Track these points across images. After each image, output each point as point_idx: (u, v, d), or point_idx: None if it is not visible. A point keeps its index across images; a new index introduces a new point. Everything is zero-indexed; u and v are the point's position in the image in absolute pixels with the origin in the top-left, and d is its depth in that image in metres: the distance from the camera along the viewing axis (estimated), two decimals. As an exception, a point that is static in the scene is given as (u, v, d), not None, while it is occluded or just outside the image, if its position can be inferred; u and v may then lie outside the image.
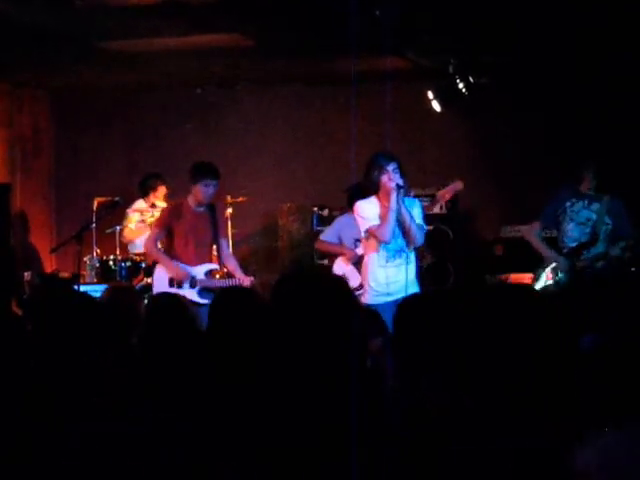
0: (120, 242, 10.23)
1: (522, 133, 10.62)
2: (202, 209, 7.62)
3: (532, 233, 7.60)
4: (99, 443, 3.37)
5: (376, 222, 6.73)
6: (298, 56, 9.92)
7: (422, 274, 10.22)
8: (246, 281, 7.51)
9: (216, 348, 4.09)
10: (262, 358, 3.37)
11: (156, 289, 7.56)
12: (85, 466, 3.34)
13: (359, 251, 8.00)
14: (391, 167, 6.66)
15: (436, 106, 10.33)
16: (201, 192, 7.52)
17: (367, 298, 6.76)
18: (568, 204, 7.33)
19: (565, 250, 7.36)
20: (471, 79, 9.96)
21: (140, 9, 7.70)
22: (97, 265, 10.11)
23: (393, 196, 6.57)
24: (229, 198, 10.57)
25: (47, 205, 12.29)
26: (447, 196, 7.97)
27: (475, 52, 9.53)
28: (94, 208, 10.53)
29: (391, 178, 6.60)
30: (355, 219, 8.15)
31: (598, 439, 2.26)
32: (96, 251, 10.31)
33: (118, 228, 10.25)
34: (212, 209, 7.71)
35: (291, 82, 11.43)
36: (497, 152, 10.84)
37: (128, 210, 10.22)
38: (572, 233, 7.30)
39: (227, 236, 7.87)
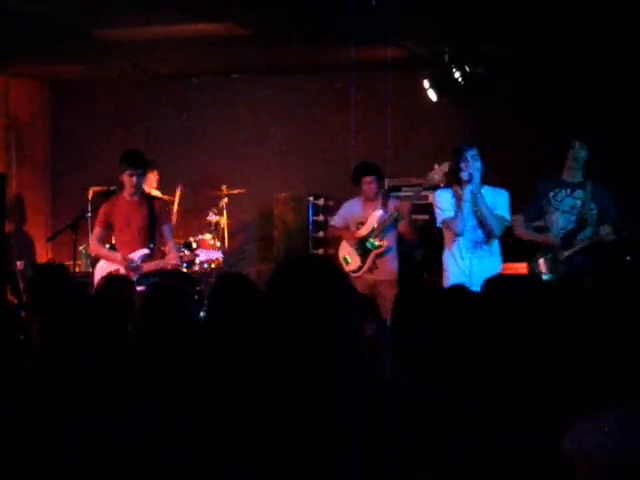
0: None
1: (518, 122, 10.61)
2: (136, 198, 7.57)
3: (523, 229, 7.57)
4: (95, 436, 3.37)
5: (451, 213, 6.58)
6: (294, 45, 9.90)
7: (416, 266, 10.29)
8: (173, 260, 7.56)
9: (212, 336, 4.10)
10: (257, 346, 3.37)
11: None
12: (80, 462, 3.34)
13: (360, 233, 8.13)
14: (469, 154, 6.49)
15: (432, 95, 10.32)
16: (126, 181, 7.51)
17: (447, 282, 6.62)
18: (551, 194, 7.31)
19: (557, 241, 7.34)
20: (467, 68, 9.95)
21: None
22: (92, 254, 10.11)
23: (466, 187, 6.44)
24: (225, 188, 10.58)
25: (42, 194, 12.29)
26: (437, 178, 7.90)
27: (471, 41, 9.52)
28: (89, 197, 10.52)
29: (467, 167, 6.45)
30: (357, 201, 8.26)
31: (597, 418, 2.25)
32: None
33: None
34: (149, 197, 7.73)
35: (287, 72, 11.41)
36: (493, 141, 10.82)
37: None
38: (558, 222, 7.29)
39: (170, 222, 7.88)
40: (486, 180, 6.62)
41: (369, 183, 8.18)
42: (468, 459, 2.90)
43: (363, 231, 8.17)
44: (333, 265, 3.14)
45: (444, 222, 6.65)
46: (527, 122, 10.55)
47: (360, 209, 8.28)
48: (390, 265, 8.15)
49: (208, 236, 10.21)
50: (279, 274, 2.94)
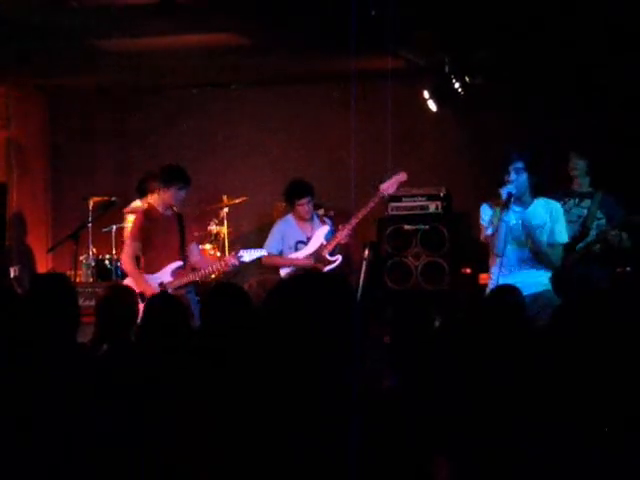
0: (118, 242, 10.25)
1: (518, 133, 10.62)
2: (170, 213, 7.51)
3: None
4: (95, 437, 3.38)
5: (490, 229, 6.11)
6: (294, 55, 9.93)
7: (417, 274, 10.30)
8: (231, 260, 7.49)
9: (204, 346, 4.11)
10: (252, 355, 3.38)
11: None
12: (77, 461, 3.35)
13: (308, 250, 7.97)
14: (513, 167, 6.08)
15: (432, 106, 10.34)
16: (173, 196, 7.40)
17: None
18: (561, 203, 7.34)
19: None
20: (467, 79, 9.97)
21: (135, 9, 7.70)
22: (93, 264, 10.12)
23: (506, 206, 5.98)
24: (225, 199, 10.58)
25: (43, 205, 12.29)
26: (391, 189, 7.85)
27: (471, 52, 9.54)
28: (90, 208, 10.54)
29: (507, 182, 6.03)
30: (291, 220, 8.10)
31: None
32: (92, 250, 10.32)
33: (114, 227, 10.26)
34: (178, 214, 7.56)
35: (287, 82, 11.43)
36: (493, 152, 10.81)
37: (125, 210, 10.23)
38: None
39: (195, 240, 7.80)
40: (540, 191, 6.24)
41: (304, 204, 8.02)
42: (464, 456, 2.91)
43: (310, 249, 8.00)
44: (341, 277, 3.14)
45: (485, 238, 6.22)
46: (527, 133, 10.55)
47: (296, 228, 8.09)
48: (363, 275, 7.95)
49: (209, 246, 10.23)
50: (286, 287, 2.94)
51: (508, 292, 4.83)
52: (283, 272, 8.04)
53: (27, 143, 12.04)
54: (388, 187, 7.75)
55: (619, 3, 7.51)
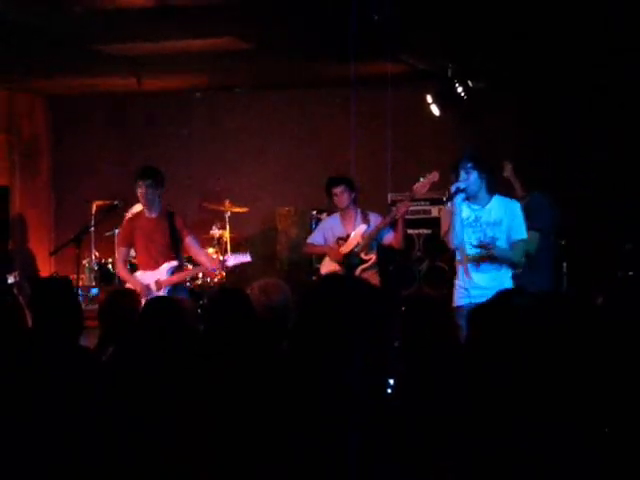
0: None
1: (520, 137, 10.61)
2: (155, 215, 7.55)
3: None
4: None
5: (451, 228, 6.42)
6: (297, 60, 9.92)
7: (419, 278, 10.30)
8: (213, 264, 7.68)
9: (208, 350, 4.11)
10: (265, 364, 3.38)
11: None
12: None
13: (343, 249, 8.07)
14: (462, 168, 6.39)
15: (435, 110, 10.34)
16: (139, 195, 7.53)
17: (454, 298, 6.50)
18: None
19: None
20: (470, 83, 9.97)
21: (138, 13, 7.70)
22: (95, 268, 10.12)
23: (455, 199, 6.33)
24: (227, 203, 10.58)
25: (46, 208, 12.30)
26: (424, 190, 7.88)
27: (474, 56, 9.54)
28: (92, 211, 10.54)
29: (457, 181, 6.36)
30: (337, 217, 8.22)
31: None
32: (95, 254, 10.32)
33: (117, 231, 10.26)
34: (168, 213, 7.60)
35: (290, 86, 11.43)
36: (495, 156, 10.81)
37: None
38: None
39: (192, 233, 7.81)
40: (494, 190, 6.48)
41: (340, 194, 8.10)
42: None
43: (347, 247, 8.09)
44: (362, 283, 3.11)
45: (443, 234, 6.54)
46: (530, 136, 10.55)
47: (339, 225, 8.20)
48: (374, 280, 7.93)
49: (211, 250, 10.22)
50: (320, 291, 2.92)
51: (513, 295, 4.81)
52: (324, 269, 8.19)
53: (30, 146, 12.05)
54: (420, 187, 7.77)
55: (620, 9, 7.51)
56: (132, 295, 5.52)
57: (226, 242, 10.67)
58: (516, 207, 6.49)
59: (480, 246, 6.28)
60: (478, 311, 3.52)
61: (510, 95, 10.67)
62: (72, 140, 12.26)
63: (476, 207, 6.43)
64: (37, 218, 12.04)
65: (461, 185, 6.32)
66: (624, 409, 3.10)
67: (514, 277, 6.47)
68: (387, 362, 2.94)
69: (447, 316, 4.04)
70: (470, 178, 6.35)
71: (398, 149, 10.83)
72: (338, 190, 8.11)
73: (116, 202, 10.15)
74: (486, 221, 6.41)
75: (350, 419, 2.67)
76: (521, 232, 6.43)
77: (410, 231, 10.15)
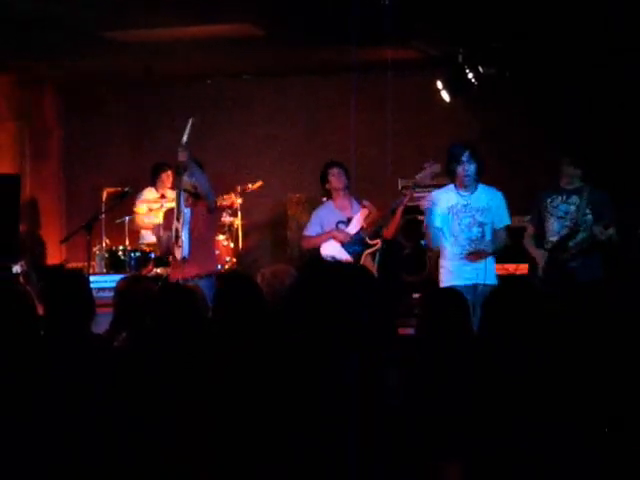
0: (130, 231, 10.28)
1: (531, 123, 10.59)
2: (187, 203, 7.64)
3: (528, 241, 7.60)
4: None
5: (445, 212, 6.91)
6: (308, 46, 9.91)
7: (430, 265, 10.27)
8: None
9: (215, 336, 4.12)
10: (265, 348, 3.37)
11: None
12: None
13: (350, 229, 8.02)
14: (465, 157, 6.84)
15: (445, 96, 10.31)
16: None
17: (440, 279, 6.93)
18: (548, 200, 7.40)
19: (548, 246, 7.38)
20: (480, 69, 9.93)
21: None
22: (106, 256, 10.13)
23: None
24: (239, 188, 10.57)
25: (56, 196, 12.31)
26: (426, 180, 7.89)
27: (484, 42, 9.51)
28: (103, 199, 10.55)
29: (464, 170, 6.85)
30: (330, 204, 8.20)
31: None
32: (105, 241, 10.33)
33: (127, 219, 10.28)
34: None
35: (300, 73, 11.41)
36: (506, 142, 10.81)
37: (137, 200, 10.26)
38: (552, 228, 7.35)
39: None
40: (481, 178, 6.96)
41: (337, 174, 8.08)
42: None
43: (353, 227, 8.04)
44: (362, 271, 3.10)
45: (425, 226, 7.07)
46: (540, 123, 10.52)
47: (334, 211, 8.13)
48: (370, 265, 7.88)
49: (222, 237, 10.22)
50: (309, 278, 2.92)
51: (516, 284, 4.81)
52: (324, 252, 8.08)
53: (40, 134, 12.06)
54: (423, 178, 7.79)
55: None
56: (147, 281, 5.55)
57: (237, 229, 10.67)
58: (500, 195, 6.99)
59: (473, 257, 6.76)
60: (493, 297, 3.53)
61: (521, 81, 10.63)
62: (82, 127, 12.25)
63: (465, 194, 6.94)
64: (48, 205, 12.05)
65: (467, 176, 6.85)
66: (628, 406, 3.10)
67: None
68: (387, 350, 2.93)
69: (464, 307, 4.03)
70: (471, 168, 6.86)
71: (408, 135, 10.81)
72: (335, 170, 8.12)
73: (127, 189, 10.15)
74: (475, 207, 6.90)
75: (350, 419, 2.67)
76: (505, 219, 6.97)
77: (421, 217, 10.12)
